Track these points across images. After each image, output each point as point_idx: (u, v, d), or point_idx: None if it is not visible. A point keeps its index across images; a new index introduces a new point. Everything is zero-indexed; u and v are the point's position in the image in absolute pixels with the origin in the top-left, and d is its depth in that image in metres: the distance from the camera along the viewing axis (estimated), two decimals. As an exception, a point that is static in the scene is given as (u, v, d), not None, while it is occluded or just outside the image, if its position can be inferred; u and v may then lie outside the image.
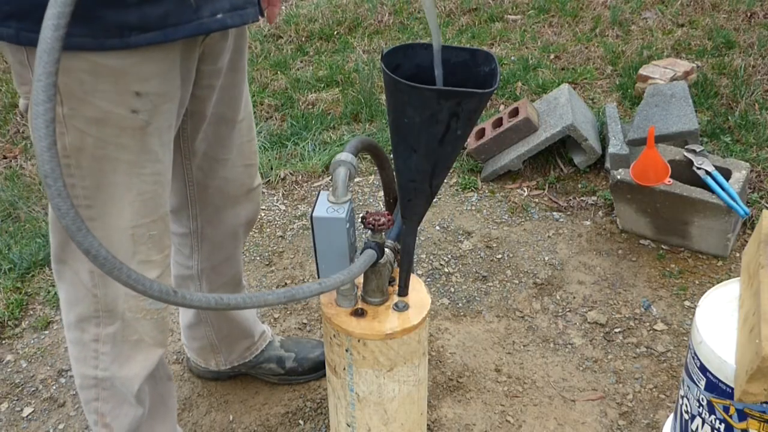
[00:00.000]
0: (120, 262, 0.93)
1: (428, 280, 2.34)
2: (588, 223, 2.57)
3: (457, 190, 2.79)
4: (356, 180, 2.88)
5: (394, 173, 1.28)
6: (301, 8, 4.57)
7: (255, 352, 1.92)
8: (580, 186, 2.74)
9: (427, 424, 1.68)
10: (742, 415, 1.25)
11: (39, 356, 2.12)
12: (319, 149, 3.05)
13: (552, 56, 3.79)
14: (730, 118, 3.00)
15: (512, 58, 3.79)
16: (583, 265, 2.37)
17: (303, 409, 1.89)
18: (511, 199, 2.72)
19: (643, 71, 3.29)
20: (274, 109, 3.44)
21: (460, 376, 1.97)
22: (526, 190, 2.76)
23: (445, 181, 2.76)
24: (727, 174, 2.35)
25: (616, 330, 2.11)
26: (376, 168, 2.22)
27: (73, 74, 1.10)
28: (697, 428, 1.35)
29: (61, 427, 1.89)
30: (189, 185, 1.55)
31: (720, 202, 2.23)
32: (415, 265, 2.23)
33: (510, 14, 4.35)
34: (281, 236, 2.59)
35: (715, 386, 1.27)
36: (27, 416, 1.93)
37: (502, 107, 3.27)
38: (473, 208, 2.69)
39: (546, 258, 2.40)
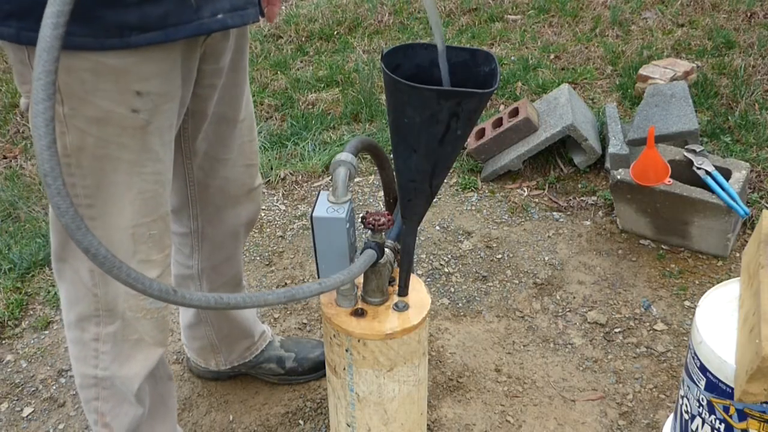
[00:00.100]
0: (119, 261, 0.93)
1: (428, 280, 2.34)
2: (588, 223, 2.57)
3: (457, 190, 2.79)
4: (356, 180, 2.88)
5: (394, 173, 1.28)
6: (301, 8, 4.57)
7: (255, 352, 1.92)
8: (580, 186, 2.74)
9: (427, 424, 1.68)
10: (742, 415, 1.25)
11: (39, 356, 2.12)
12: (319, 149, 3.05)
13: (552, 56, 3.79)
14: (730, 118, 3.00)
15: (512, 58, 3.79)
16: (583, 265, 2.37)
17: (303, 409, 1.89)
18: (511, 199, 2.72)
19: (643, 71, 3.29)
20: (274, 109, 3.44)
21: (460, 376, 1.97)
22: (526, 190, 2.76)
23: (445, 181, 2.76)
24: (727, 174, 2.35)
25: (616, 330, 2.11)
26: (376, 168, 2.22)
27: (74, 73, 1.10)
28: (697, 428, 1.35)
29: (61, 427, 1.89)
30: (190, 185, 1.55)
31: (720, 202, 2.23)
32: (415, 265, 2.23)
33: (510, 14, 4.35)
34: (281, 236, 2.60)
35: (715, 386, 1.27)
36: (27, 416, 1.93)
37: (502, 107, 3.27)
38: (473, 208, 2.69)
39: (546, 258, 2.40)
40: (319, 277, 1.31)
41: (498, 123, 2.90)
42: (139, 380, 1.40)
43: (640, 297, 2.22)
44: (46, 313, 2.27)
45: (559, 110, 2.81)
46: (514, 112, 2.87)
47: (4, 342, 2.18)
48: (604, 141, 2.83)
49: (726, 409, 1.27)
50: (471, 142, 2.90)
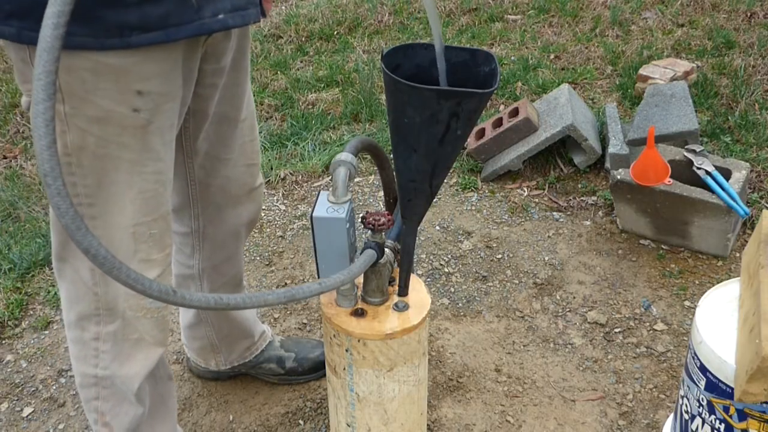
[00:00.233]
0: (119, 262, 0.93)
1: (428, 280, 2.34)
2: (588, 223, 2.57)
3: (457, 190, 2.79)
4: (356, 180, 2.88)
5: (394, 173, 1.28)
6: (301, 8, 4.57)
7: (255, 352, 1.92)
8: (580, 186, 2.74)
9: (427, 424, 1.68)
10: (742, 415, 1.25)
11: (39, 356, 2.12)
12: (319, 149, 3.05)
13: (552, 56, 3.79)
14: (730, 118, 3.00)
15: (512, 58, 3.79)
16: (583, 265, 2.37)
17: (303, 409, 1.89)
18: (511, 199, 2.72)
19: (643, 71, 3.29)
20: (274, 109, 3.44)
21: (460, 376, 1.97)
22: (526, 190, 2.77)
23: (445, 181, 2.76)
24: (727, 174, 2.35)
25: (616, 330, 2.11)
26: (376, 168, 2.22)
27: (75, 73, 1.10)
28: (697, 428, 1.35)
29: (61, 427, 1.89)
30: (191, 184, 1.55)
31: (720, 202, 2.23)
32: (415, 265, 2.23)
33: (510, 14, 4.35)
34: (281, 236, 2.60)
35: (715, 386, 1.27)
36: (27, 416, 1.93)
37: (502, 107, 3.27)
38: (473, 208, 2.69)
39: (546, 258, 2.40)
40: (319, 277, 1.31)
41: (498, 123, 2.90)
42: (140, 380, 1.40)
43: (640, 297, 2.22)
44: (46, 313, 2.27)
45: (559, 110, 2.81)
46: (514, 112, 2.87)
47: (4, 342, 2.18)
48: (604, 141, 2.83)
49: (726, 409, 1.27)
50: (471, 142, 2.90)
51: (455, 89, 1.11)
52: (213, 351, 1.88)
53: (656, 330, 2.10)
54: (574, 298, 2.23)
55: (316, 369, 1.95)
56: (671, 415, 1.56)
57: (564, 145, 2.86)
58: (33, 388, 2.02)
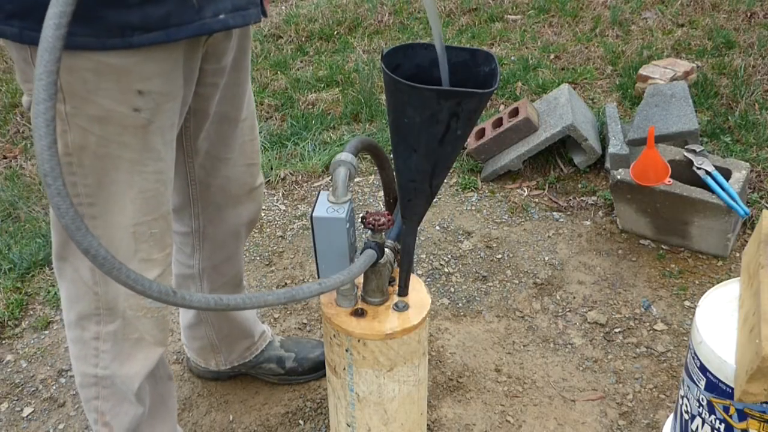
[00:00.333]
0: (119, 262, 0.93)
1: (428, 280, 2.34)
2: (588, 223, 2.57)
3: (457, 190, 2.79)
4: (356, 180, 2.88)
5: (394, 173, 1.28)
6: (301, 8, 4.57)
7: (255, 352, 1.92)
8: (580, 186, 2.74)
9: (427, 424, 1.68)
10: (742, 415, 1.25)
11: (39, 356, 2.12)
12: (319, 149, 3.05)
13: (552, 56, 3.79)
14: (730, 118, 3.00)
15: (512, 58, 3.79)
16: (583, 265, 2.37)
17: (303, 409, 1.89)
18: (511, 199, 2.72)
19: (643, 71, 3.29)
20: (274, 109, 3.44)
21: (460, 376, 1.97)
22: (526, 190, 2.77)
23: (445, 181, 2.76)
24: (727, 174, 2.35)
25: (616, 330, 2.11)
26: (376, 168, 2.22)
27: (76, 73, 1.10)
28: (697, 428, 1.35)
29: (61, 427, 1.89)
30: (191, 184, 1.55)
31: (720, 202, 2.23)
32: (415, 265, 2.23)
33: (510, 14, 4.35)
34: (281, 236, 2.60)
35: (715, 386, 1.27)
36: (27, 416, 1.93)
37: (502, 107, 3.27)
38: (473, 208, 2.69)
39: (546, 258, 2.40)
40: (319, 277, 1.31)
41: (498, 123, 2.90)
42: (140, 379, 1.40)
43: (640, 297, 2.22)
44: (46, 313, 2.27)
45: (559, 110, 2.81)
46: (514, 112, 2.87)
47: (4, 342, 2.18)
48: (604, 141, 2.83)
49: (726, 409, 1.27)
50: (471, 142, 2.90)
51: (455, 89, 1.11)
52: (213, 351, 1.88)
53: (656, 330, 2.10)
54: (574, 298, 2.23)
55: (316, 369, 1.95)
56: (671, 415, 1.56)
57: (564, 145, 2.86)
58: (33, 388, 2.02)
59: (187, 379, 2.00)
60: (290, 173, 2.90)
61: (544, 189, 2.75)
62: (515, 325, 2.14)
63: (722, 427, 1.29)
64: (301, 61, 3.96)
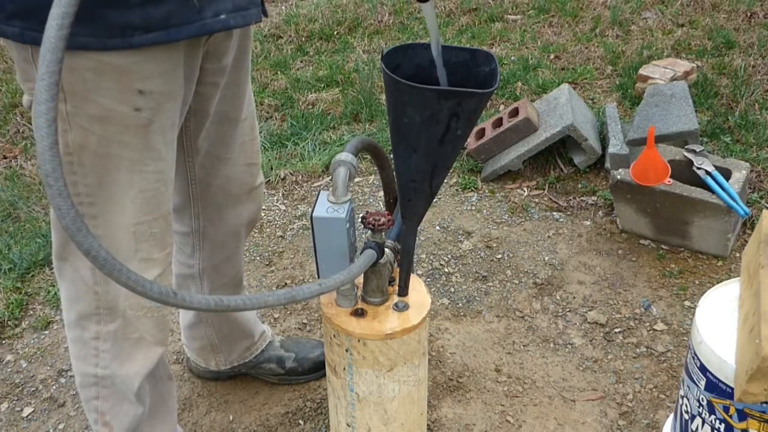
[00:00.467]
0: (120, 263, 0.93)
1: (428, 280, 2.34)
2: (588, 223, 2.57)
3: (457, 190, 2.79)
4: (356, 180, 2.88)
5: (394, 173, 1.28)
6: (301, 8, 4.57)
7: (255, 352, 1.92)
8: (580, 186, 2.74)
9: (427, 424, 1.68)
10: (742, 415, 1.25)
11: (39, 356, 2.12)
12: (319, 149, 3.05)
13: (552, 56, 3.79)
14: (730, 118, 3.00)
15: (512, 58, 3.79)
16: (583, 265, 2.37)
17: (303, 409, 1.89)
18: (511, 199, 2.72)
19: (643, 71, 3.29)
20: (274, 109, 3.44)
21: (460, 376, 1.97)
22: (526, 190, 2.77)
23: (445, 181, 2.76)
24: (727, 174, 2.35)
25: (616, 330, 2.11)
26: (376, 168, 2.22)
27: (77, 72, 1.11)
28: (697, 428, 1.35)
29: (61, 427, 1.89)
30: (191, 183, 1.55)
31: (720, 202, 2.23)
32: (415, 265, 2.24)
33: (510, 14, 4.35)
34: (281, 236, 2.60)
35: (715, 386, 1.27)
36: (27, 416, 1.93)
37: (502, 107, 3.27)
38: (473, 208, 2.69)
39: (546, 258, 2.41)
40: (319, 277, 1.31)
41: (498, 123, 2.90)
42: (140, 379, 1.40)
43: (640, 297, 2.22)
44: (46, 313, 2.27)
45: (559, 110, 2.81)
46: (514, 112, 2.87)
47: (4, 342, 2.18)
48: (604, 141, 2.83)
49: (726, 409, 1.27)
50: (471, 142, 2.90)
51: (455, 89, 1.11)
52: (213, 351, 1.88)
53: (656, 330, 2.10)
54: (574, 298, 2.23)
55: (316, 369, 1.95)
56: (671, 415, 1.56)
57: (564, 145, 2.86)
58: (33, 388, 2.02)
59: (187, 379, 2.00)
60: (290, 173, 2.90)
61: (544, 189, 2.76)
62: (515, 325, 2.14)
63: (722, 427, 1.29)
64: (301, 61, 3.96)
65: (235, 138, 1.52)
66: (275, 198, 2.80)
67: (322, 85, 3.64)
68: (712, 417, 1.30)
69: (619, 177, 2.39)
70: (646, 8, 4.26)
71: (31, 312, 2.29)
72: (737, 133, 2.92)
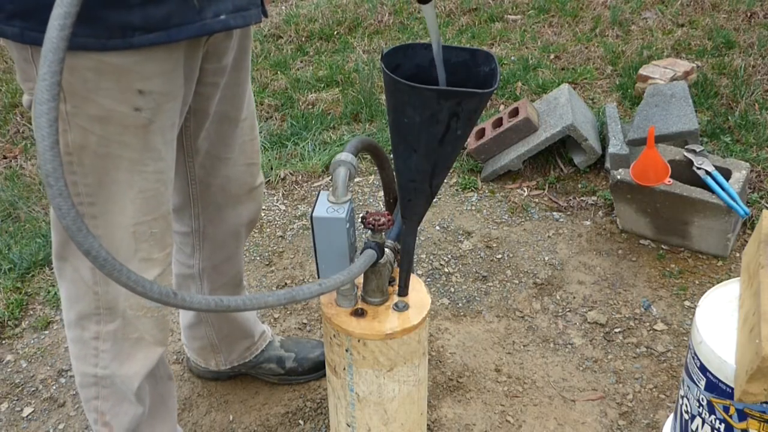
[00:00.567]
0: (120, 264, 0.93)
1: (428, 280, 2.34)
2: (588, 223, 2.57)
3: (457, 190, 2.79)
4: (356, 180, 2.89)
5: (394, 173, 1.28)
6: (301, 8, 4.57)
7: (255, 352, 1.92)
8: (580, 186, 2.74)
9: (427, 424, 1.68)
10: (742, 415, 1.25)
11: (39, 356, 2.12)
12: (319, 149, 3.05)
13: (552, 56, 3.79)
14: (730, 118, 3.00)
15: (512, 58, 3.79)
16: (583, 265, 2.37)
17: (303, 409, 1.89)
18: (511, 199, 2.72)
19: (643, 71, 3.29)
20: (274, 109, 3.44)
21: (460, 376, 1.97)
22: (526, 190, 2.77)
23: (445, 181, 2.76)
24: (727, 174, 2.35)
25: (616, 330, 2.11)
26: (376, 168, 2.22)
27: (77, 72, 1.11)
28: (697, 428, 1.35)
29: (61, 427, 1.89)
30: (191, 183, 1.55)
31: (720, 202, 2.23)
32: (415, 265, 2.24)
33: (510, 14, 4.35)
34: (281, 236, 2.60)
35: (715, 386, 1.27)
36: (27, 416, 1.93)
37: (502, 107, 3.27)
38: (473, 208, 2.69)
39: (546, 258, 2.41)
40: (319, 277, 1.31)
41: (498, 123, 2.90)
42: (139, 379, 1.40)
43: (640, 297, 2.22)
44: (46, 313, 2.27)
45: (559, 110, 2.81)
46: (514, 112, 2.87)
47: (4, 342, 2.18)
48: (604, 141, 2.83)
49: (726, 409, 1.27)
50: (471, 142, 2.90)
51: (455, 89, 1.11)
52: (213, 351, 1.88)
53: (656, 330, 2.10)
54: (574, 298, 2.23)
55: (316, 369, 1.95)
56: (671, 415, 1.56)
57: (564, 145, 2.86)
58: (33, 388, 2.02)
59: (187, 379, 2.00)
60: (290, 173, 2.90)
61: (544, 189, 2.76)
62: (515, 325, 2.14)
63: (722, 427, 1.29)
64: (301, 61, 3.96)
65: (235, 138, 1.52)
66: (275, 198, 2.80)
67: (322, 85, 3.64)
68: (712, 417, 1.30)
69: (619, 177, 2.39)
70: (646, 8, 4.26)
71: (31, 312, 2.29)
72: (737, 133, 2.92)
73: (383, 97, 3.12)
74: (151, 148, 1.22)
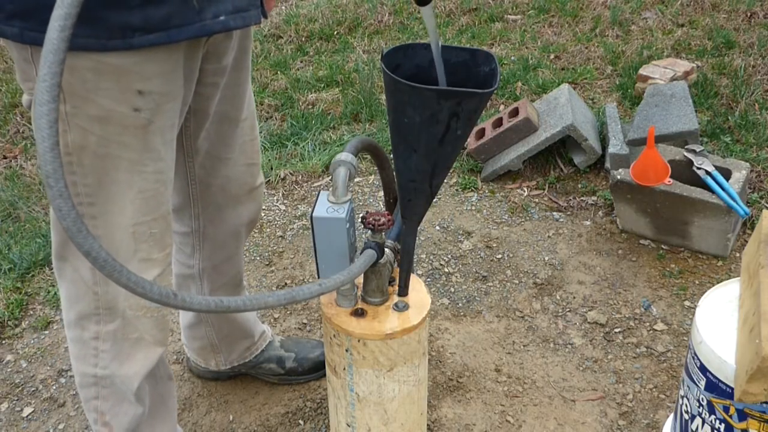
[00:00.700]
0: (120, 265, 0.93)
1: (428, 280, 2.34)
2: (588, 223, 2.57)
3: (457, 190, 2.79)
4: (356, 180, 2.89)
5: (394, 173, 1.28)
6: (301, 8, 4.57)
7: (255, 352, 1.92)
8: (580, 186, 2.74)
9: (427, 424, 1.68)
10: (742, 415, 1.25)
11: (39, 356, 2.12)
12: (319, 149, 3.05)
13: (552, 56, 3.79)
14: (730, 118, 3.00)
15: (512, 58, 3.79)
16: (583, 265, 2.37)
17: (303, 409, 1.89)
18: (511, 199, 2.72)
19: (643, 71, 3.29)
20: (274, 109, 3.44)
21: (460, 376, 1.97)
22: (526, 190, 2.77)
23: (445, 181, 2.76)
24: (727, 174, 2.35)
25: (616, 330, 2.11)
26: (376, 168, 2.22)
27: (77, 72, 1.11)
28: (697, 428, 1.35)
29: (61, 427, 1.89)
30: (191, 184, 1.55)
31: (720, 202, 2.23)
32: (415, 265, 2.24)
33: (510, 14, 4.35)
34: (281, 236, 2.60)
35: (715, 386, 1.27)
36: (27, 416, 1.93)
37: (502, 107, 3.27)
38: (473, 208, 2.69)
39: (546, 258, 2.41)
40: (319, 277, 1.31)
41: (498, 123, 2.90)
42: (139, 379, 1.40)
43: (640, 297, 2.22)
44: (46, 313, 2.27)
45: (559, 110, 2.81)
46: (514, 112, 2.87)
47: (4, 342, 2.18)
48: (604, 141, 2.83)
49: (726, 409, 1.27)
50: (471, 142, 2.90)
51: (455, 89, 1.11)
52: (213, 351, 1.88)
53: (656, 330, 2.10)
54: (574, 298, 2.23)
55: (316, 369, 1.95)
56: (671, 415, 1.56)
57: (564, 145, 2.86)
58: (33, 388, 2.02)
59: (187, 379, 2.00)
60: (290, 173, 2.90)
61: (544, 189, 2.76)
62: (515, 325, 2.14)
63: (722, 427, 1.29)
64: (301, 61, 3.96)
65: (235, 138, 1.52)
66: (275, 198, 2.80)
67: (322, 85, 3.64)
68: (712, 417, 1.30)
69: (619, 177, 2.39)
70: (646, 8, 4.26)
71: (31, 312, 2.29)
72: (737, 133, 2.92)
73: (383, 97, 3.13)
74: (150, 149, 1.22)
